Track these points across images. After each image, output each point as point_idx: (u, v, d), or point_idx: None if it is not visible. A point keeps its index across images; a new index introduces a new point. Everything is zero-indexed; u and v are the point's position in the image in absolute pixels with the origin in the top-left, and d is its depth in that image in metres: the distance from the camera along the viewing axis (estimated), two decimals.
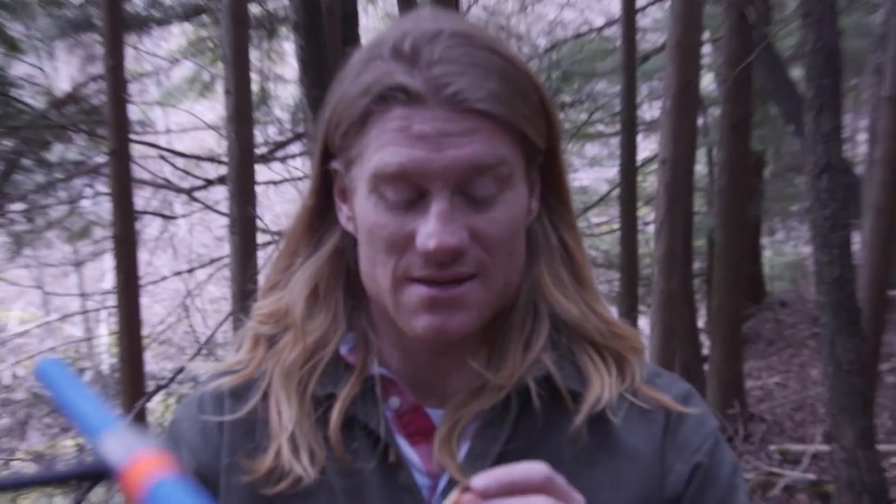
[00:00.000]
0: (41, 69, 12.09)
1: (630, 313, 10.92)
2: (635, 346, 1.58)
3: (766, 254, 19.52)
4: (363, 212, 1.43)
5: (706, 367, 11.60)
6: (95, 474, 0.60)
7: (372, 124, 1.39)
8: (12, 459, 11.50)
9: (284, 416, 1.46)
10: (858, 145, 17.58)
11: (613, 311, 1.65)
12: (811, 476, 8.35)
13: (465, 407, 1.48)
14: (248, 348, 1.57)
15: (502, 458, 1.44)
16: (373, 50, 1.43)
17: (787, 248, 20.45)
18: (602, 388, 1.49)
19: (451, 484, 1.43)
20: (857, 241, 8.18)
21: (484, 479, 1.19)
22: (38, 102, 11.88)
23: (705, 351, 12.84)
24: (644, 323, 9.95)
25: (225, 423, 1.50)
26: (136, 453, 0.57)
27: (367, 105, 1.39)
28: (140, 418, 7.31)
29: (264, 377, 1.52)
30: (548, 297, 1.52)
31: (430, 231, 1.36)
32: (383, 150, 1.37)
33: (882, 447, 7.65)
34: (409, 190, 1.38)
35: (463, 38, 1.40)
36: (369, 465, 1.46)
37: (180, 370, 9.50)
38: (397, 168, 1.36)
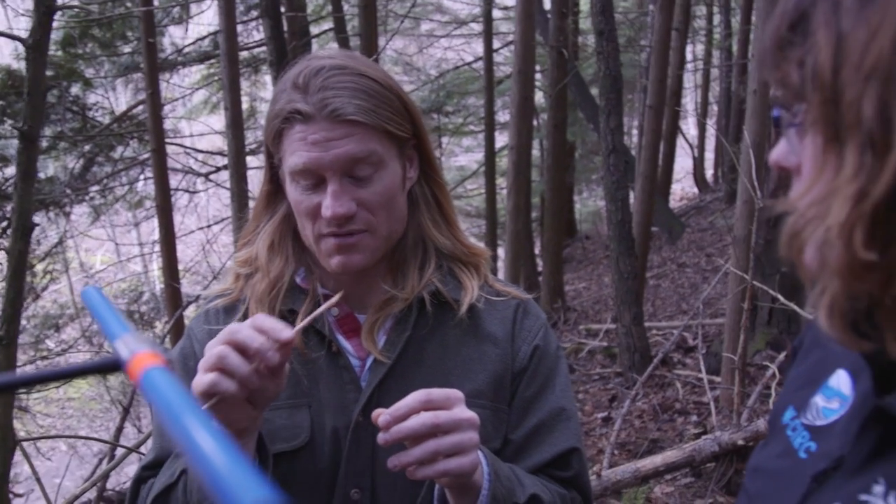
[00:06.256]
0: (106, 97, 12.15)
1: (491, 245, 11.00)
2: (485, 257, 1.59)
3: (577, 206, 19.70)
4: (290, 194, 1.44)
5: (541, 278, 11.71)
6: (112, 366, 0.60)
7: (285, 137, 1.40)
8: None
9: None
10: (632, 136, 17.83)
11: (475, 241, 1.66)
12: (604, 343, 8.49)
13: (381, 311, 1.49)
14: (231, 280, 1.56)
15: (408, 343, 1.47)
16: (284, 83, 1.42)
17: (589, 202, 20.67)
18: (472, 289, 1.51)
19: (376, 362, 1.45)
20: (633, 196, 8.30)
21: (382, 417, 1.21)
22: (105, 119, 11.88)
23: (540, 269, 12.97)
24: (501, 251, 10.01)
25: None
26: (137, 351, 0.56)
27: (280, 125, 1.40)
28: (179, 322, 7.21)
29: (245, 301, 1.52)
30: (431, 236, 1.53)
31: (327, 204, 1.38)
32: (293, 154, 1.38)
33: (647, 324, 7.83)
34: (314, 178, 1.39)
35: (339, 69, 1.39)
36: (320, 355, 1.45)
37: (204, 289, 9.46)
38: (302, 166, 1.37)
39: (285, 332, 1.20)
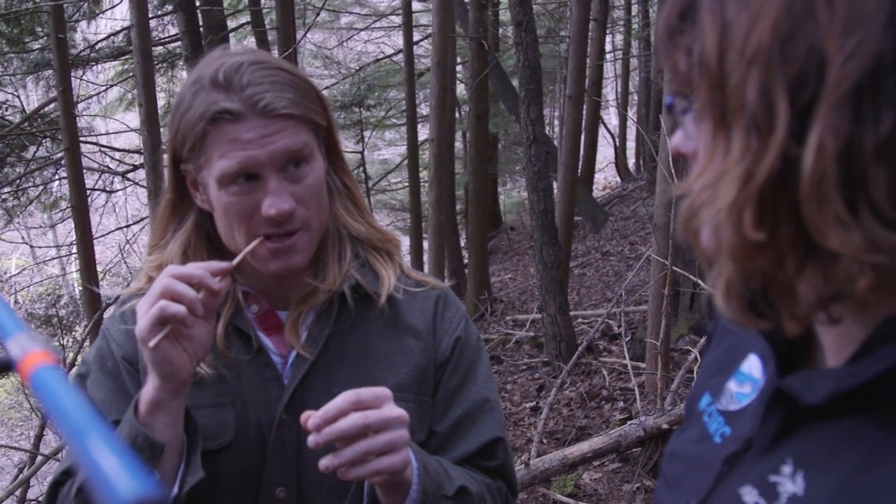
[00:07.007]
0: (16, 95, 11.90)
1: (416, 238, 11.01)
2: (396, 243, 1.59)
3: (501, 197, 19.83)
4: (217, 198, 1.39)
5: (466, 270, 11.76)
6: (2, 366, 0.59)
7: (211, 140, 1.35)
8: None
9: None
10: (554, 127, 18.02)
11: (402, 237, 1.67)
12: (531, 333, 8.56)
13: (304, 304, 1.48)
14: (144, 281, 1.53)
15: (329, 339, 1.47)
16: (196, 84, 1.37)
17: (513, 193, 20.82)
18: (389, 279, 1.52)
19: (298, 358, 1.45)
20: (556, 187, 8.39)
21: (312, 419, 1.21)
22: (16, 118, 11.63)
23: (466, 261, 13.03)
24: (426, 244, 10.02)
25: None
26: (29, 351, 0.55)
27: (204, 127, 1.35)
28: (98, 325, 7.08)
29: None
30: (345, 224, 1.52)
31: (270, 202, 1.35)
32: (224, 157, 1.34)
33: (572, 313, 7.92)
34: (247, 177, 1.36)
35: (258, 64, 1.37)
36: (243, 356, 1.44)
37: (124, 289, 9.30)
38: (237, 167, 1.34)
39: (221, 263, 1.27)
